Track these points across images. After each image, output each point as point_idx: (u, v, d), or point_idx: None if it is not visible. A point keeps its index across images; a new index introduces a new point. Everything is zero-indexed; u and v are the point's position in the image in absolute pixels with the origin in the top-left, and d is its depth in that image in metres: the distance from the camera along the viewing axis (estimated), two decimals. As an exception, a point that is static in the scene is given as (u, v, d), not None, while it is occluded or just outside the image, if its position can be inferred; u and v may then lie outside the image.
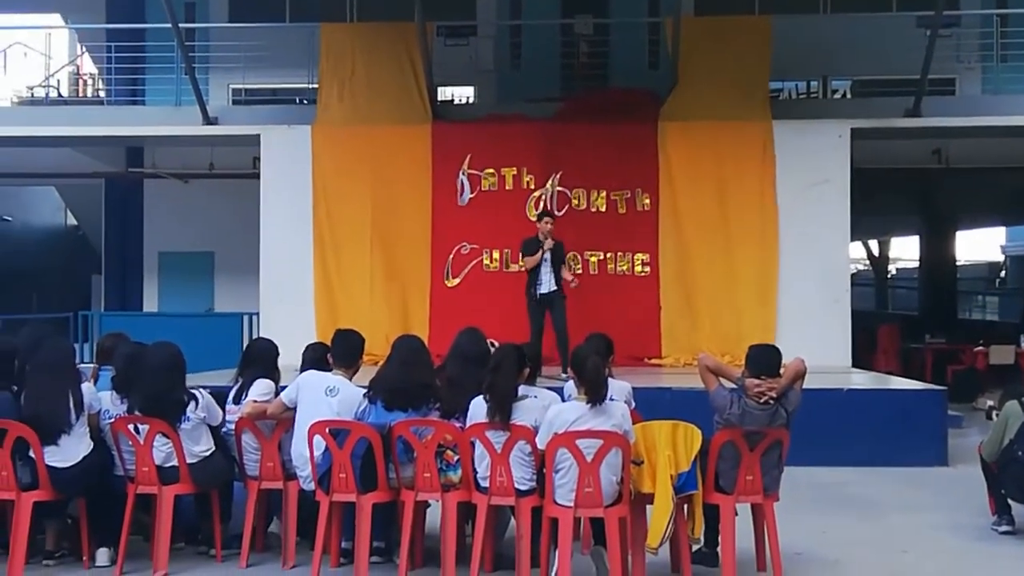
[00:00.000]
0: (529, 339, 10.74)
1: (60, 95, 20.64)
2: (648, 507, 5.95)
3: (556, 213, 12.68)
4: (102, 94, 19.16)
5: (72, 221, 23.74)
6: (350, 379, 6.61)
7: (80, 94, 21.77)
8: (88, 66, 21.73)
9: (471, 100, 18.68)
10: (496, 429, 5.98)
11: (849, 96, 18.46)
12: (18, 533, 6.21)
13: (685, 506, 6.03)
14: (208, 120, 14.73)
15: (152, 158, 17.94)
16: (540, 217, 11.61)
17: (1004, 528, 7.42)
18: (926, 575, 6.47)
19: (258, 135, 14.38)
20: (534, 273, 11.19)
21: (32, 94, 20.36)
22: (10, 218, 24.13)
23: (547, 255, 11.13)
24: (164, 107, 15.97)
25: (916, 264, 26.56)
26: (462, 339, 6.64)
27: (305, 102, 16.71)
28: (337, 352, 6.72)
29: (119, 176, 18.40)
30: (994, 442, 7.40)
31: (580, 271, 13.05)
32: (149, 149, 17.88)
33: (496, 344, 6.75)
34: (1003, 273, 32.40)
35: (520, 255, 11.58)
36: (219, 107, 15.70)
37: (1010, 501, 7.45)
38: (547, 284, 11.17)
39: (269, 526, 6.98)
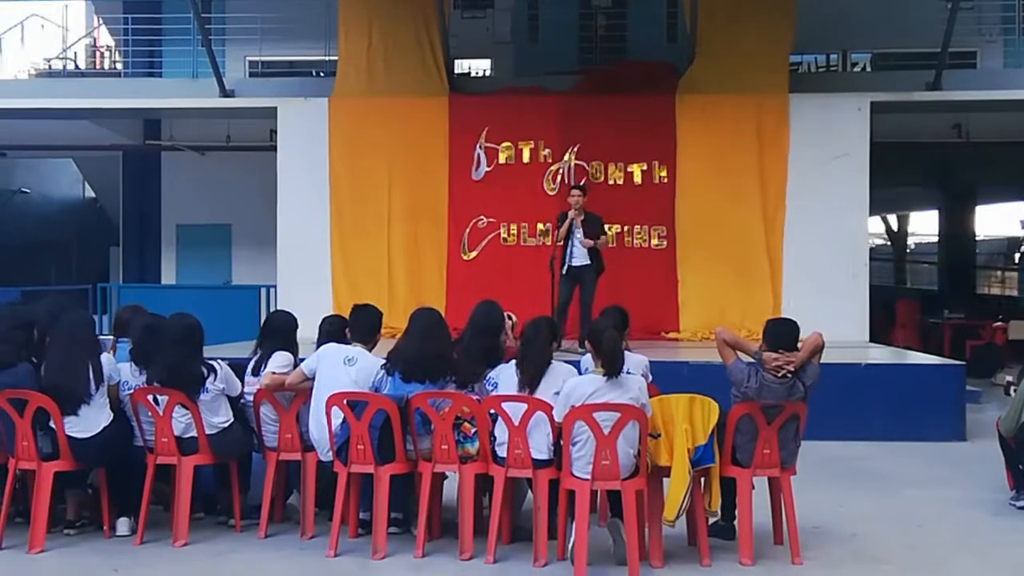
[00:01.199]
0: (553, 310, 10.75)
1: (77, 67, 20.69)
2: (665, 480, 5.96)
3: (578, 185, 12.61)
4: (119, 66, 19.20)
5: (90, 193, 23.81)
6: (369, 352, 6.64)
7: (97, 66, 21.81)
8: (105, 38, 21.76)
9: (488, 73, 18.65)
10: (514, 401, 6.01)
11: (869, 69, 18.33)
12: (39, 503, 6.26)
13: (702, 479, 6.04)
14: (225, 92, 14.74)
15: (169, 130, 17.97)
16: (570, 190, 11.47)
17: (1022, 503, 7.40)
18: (943, 549, 6.46)
19: (275, 107, 14.39)
20: (565, 245, 11.06)
21: (50, 66, 20.42)
22: (28, 190, 24.21)
23: (577, 228, 10.96)
24: (181, 79, 15.97)
25: (935, 239, 26.42)
26: (479, 312, 6.65)
27: (322, 74, 16.73)
28: (355, 326, 6.75)
29: (137, 148, 18.44)
30: (1012, 417, 7.38)
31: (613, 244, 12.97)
32: (166, 121, 17.91)
33: (513, 317, 6.78)
34: (1022, 248, 32.17)
35: (555, 228, 11.46)
36: (236, 79, 15.72)
37: (1028, 476, 7.44)
38: (579, 257, 11.02)
39: (288, 498, 7.02)
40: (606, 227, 11.65)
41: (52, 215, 24.42)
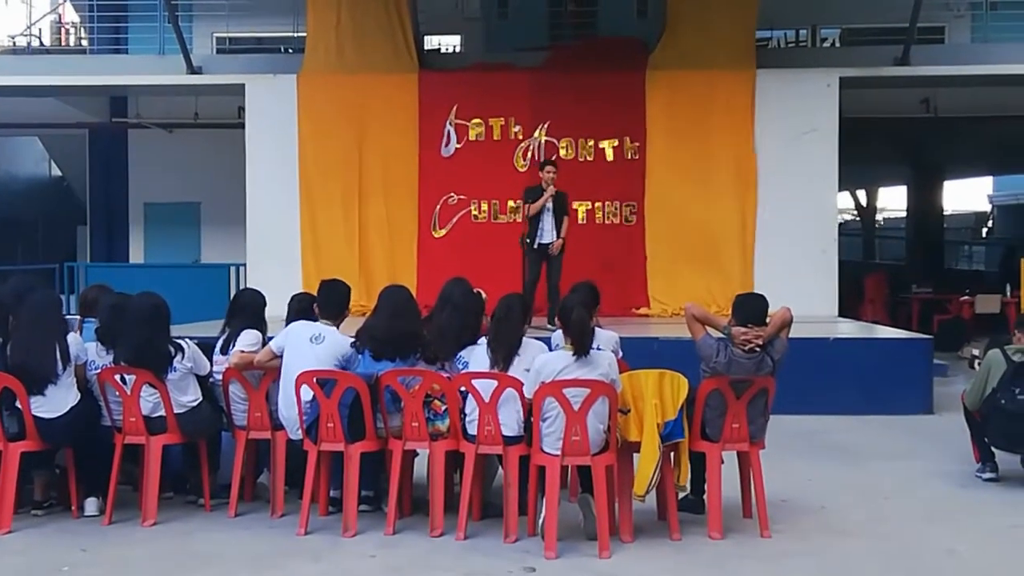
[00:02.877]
0: (523, 287, 10.75)
1: (42, 44, 20.40)
2: (635, 455, 5.98)
3: (551, 160, 12.58)
4: (85, 43, 18.95)
5: (56, 172, 23.56)
6: (336, 328, 6.60)
7: (63, 43, 21.52)
8: (70, 14, 21.47)
9: (458, 49, 18.54)
10: (485, 378, 6.01)
11: (838, 45, 18.36)
12: (6, 483, 6.22)
13: (671, 454, 6.07)
14: (192, 69, 14.60)
15: (136, 108, 17.79)
16: (543, 165, 11.44)
17: (988, 475, 7.48)
18: (910, 520, 6.52)
19: (243, 84, 14.27)
20: (535, 221, 11.02)
21: (14, 43, 20.11)
22: (-7, 169, 23.94)
23: (549, 204, 11.01)
24: (148, 56, 15.79)
25: (903, 214, 26.59)
26: (456, 292, 6.62)
27: (290, 51, 16.57)
28: (323, 302, 6.70)
29: (103, 126, 18.26)
30: (977, 390, 7.44)
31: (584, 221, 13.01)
32: (133, 99, 17.74)
33: (483, 293, 6.78)
34: (990, 223, 32.44)
35: (523, 204, 11.46)
36: (203, 56, 15.58)
37: (993, 448, 7.51)
38: (548, 234, 11.02)
39: (259, 477, 7.00)
40: (575, 203, 11.65)
41: (18, 194, 24.13)
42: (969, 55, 14.49)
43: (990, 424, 7.38)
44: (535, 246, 11.02)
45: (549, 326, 9.25)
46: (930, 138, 19.69)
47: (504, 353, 6.12)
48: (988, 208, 32.62)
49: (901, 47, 13.80)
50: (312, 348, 6.36)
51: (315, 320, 6.69)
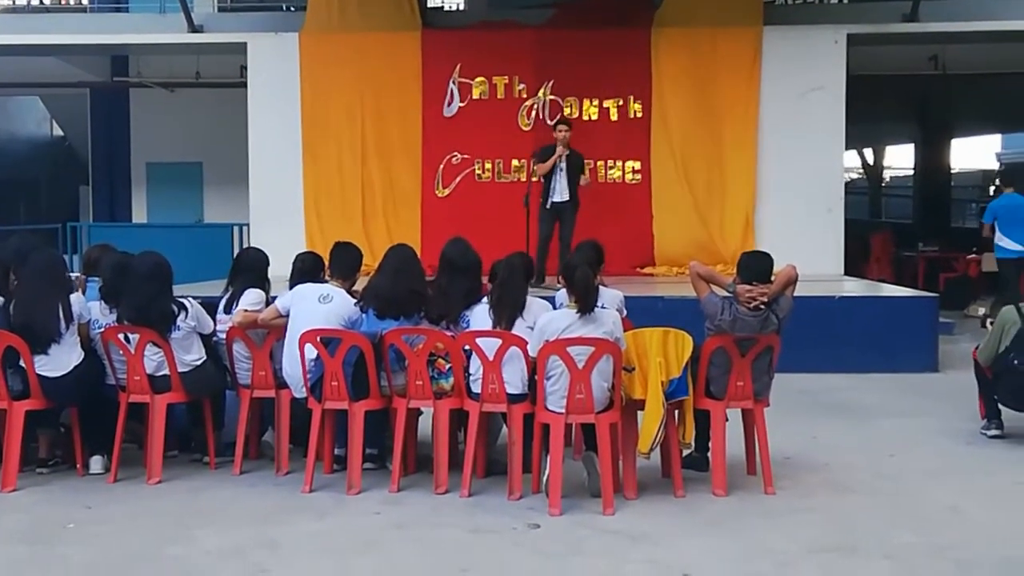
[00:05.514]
0: (537, 246, 10.74)
1: (42, 2, 20.27)
2: (639, 413, 5.98)
3: (549, 121, 12.54)
4: (85, 1, 18.80)
5: (58, 131, 23.49)
6: (346, 291, 6.59)
7: (63, 1, 21.38)
8: (71, -27, 21.31)
9: (461, 7, 18.39)
10: (489, 336, 6.00)
11: (845, 1, 18.18)
12: (11, 442, 6.23)
13: (676, 412, 6.07)
14: (193, 28, 14.50)
15: (137, 67, 17.67)
16: (556, 124, 11.39)
17: (993, 432, 7.47)
18: (914, 477, 6.53)
19: (245, 43, 14.15)
20: (547, 181, 11.00)
21: (14, 1, 19.99)
22: (-5, 128, 23.87)
23: (562, 164, 10.95)
24: (148, 14, 15.66)
25: (911, 172, 26.45)
26: (455, 252, 6.60)
27: (292, 9, 16.44)
28: (335, 263, 6.69)
29: (104, 85, 18.14)
30: (990, 347, 7.41)
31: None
32: (134, 58, 17.60)
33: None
34: (997, 181, 32.28)
35: (533, 162, 11.41)
36: (205, 14, 15.43)
37: (1001, 407, 7.49)
38: (560, 193, 11.00)
39: (264, 436, 7.01)
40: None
41: (20, 154, 24.07)
42: (978, 11, 14.32)
43: (1001, 383, 7.38)
44: (547, 205, 10.99)
45: (559, 285, 9.23)
46: (938, 96, 19.54)
47: (507, 314, 6.12)
48: (996, 166, 32.44)
49: (910, 3, 13.65)
50: (319, 307, 6.35)
51: (320, 280, 6.69)
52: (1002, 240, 12.68)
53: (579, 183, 11.05)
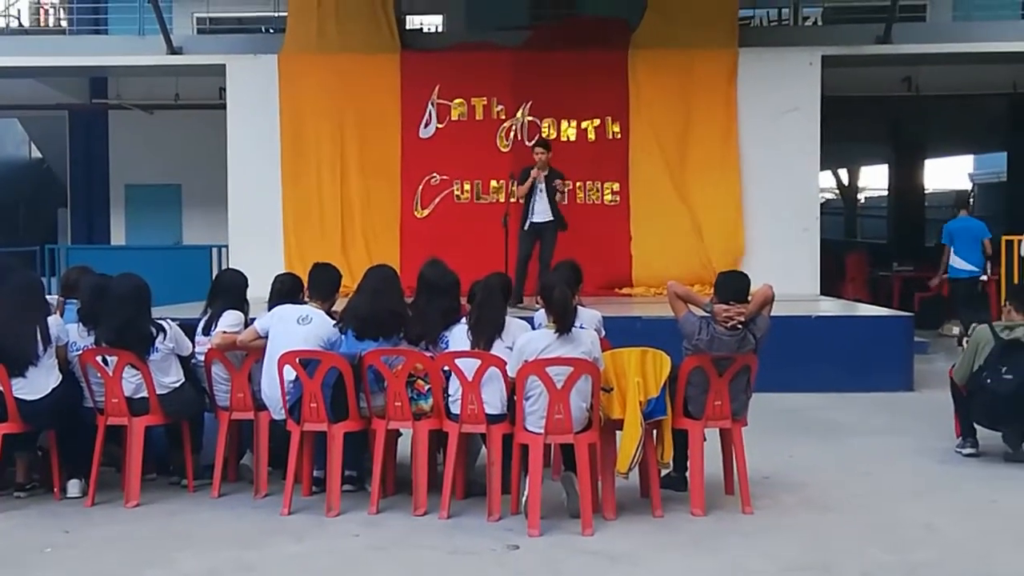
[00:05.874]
0: (515, 265, 10.78)
1: (21, 25, 20.25)
2: (618, 433, 6.01)
3: (527, 142, 12.61)
4: (64, 23, 18.82)
5: (37, 154, 23.40)
6: (326, 312, 6.60)
7: (41, 23, 21.38)
8: (49, -5, 21.31)
9: (440, 29, 18.47)
10: (468, 357, 6.02)
11: (820, 23, 18.37)
12: (-12, 465, 6.20)
13: (654, 431, 6.10)
14: (172, 50, 14.53)
15: (116, 89, 17.65)
16: (534, 147, 11.45)
17: (968, 450, 7.53)
18: (890, 496, 6.58)
19: (224, 65, 14.17)
20: (527, 202, 11.06)
21: (-8, 24, 19.96)
22: (-27, 151, 23.77)
23: (541, 184, 11.00)
24: (127, 36, 15.71)
25: (885, 192, 26.64)
26: (432, 273, 6.61)
27: (271, 31, 16.50)
28: (314, 284, 6.71)
29: (83, 107, 18.11)
30: (965, 366, 7.47)
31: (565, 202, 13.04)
32: (113, 80, 17.59)
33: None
34: (971, 201, 32.54)
35: (513, 184, 11.46)
36: (184, 36, 15.49)
37: (976, 425, 7.56)
38: (540, 213, 11.04)
39: (243, 458, 7.00)
40: (557, 183, 11.62)
41: (-2, 176, 23.99)
42: (950, 33, 14.53)
43: (974, 401, 7.42)
44: (526, 227, 11.05)
45: (537, 304, 9.27)
46: (911, 117, 19.72)
47: (486, 335, 6.14)
48: (969, 186, 32.71)
49: (883, 25, 13.82)
50: (299, 328, 6.36)
51: (299, 301, 6.71)
52: (955, 260, 13.31)
53: (560, 190, 11.10)
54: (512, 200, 11.54)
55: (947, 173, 29.39)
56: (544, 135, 13.43)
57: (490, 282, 6.40)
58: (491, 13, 15.93)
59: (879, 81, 16.22)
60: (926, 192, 24.80)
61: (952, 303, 13.53)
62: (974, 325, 7.55)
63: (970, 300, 13.25)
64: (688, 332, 6.20)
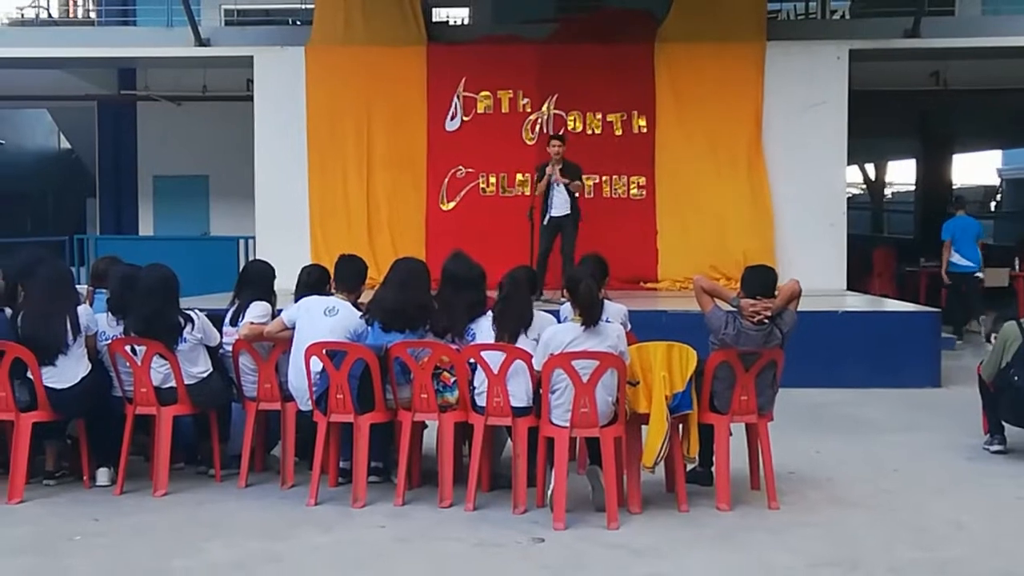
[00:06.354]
0: (536, 260, 10.79)
1: (50, 16, 20.38)
2: (643, 427, 6.00)
3: (559, 135, 12.61)
4: (93, 15, 18.93)
5: (65, 144, 23.56)
6: (352, 304, 6.62)
7: (71, 15, 21.50)
8: (78, -14, 21.44)
9: (466, 21, 18.47)
10: (494, 350, 6.03)
11: (848, 17, 18.25)
12: (18, 453, 6.26)
13: (680, 426, 6.09)
14: (200, 42, 14.57)
15: (144, 80, 17.75)
16: (550, 140, 11.47)
17: (996, 447, 7.49)
18: (917, 493, 6.54)
19: (251, 57, 14.22)
20: (545, 197, 11.09)
21: (22, 15, 20.11)
22: (3, 141, 23.95)
23: (558, 179, 11.00)
24: (156, 28, 15.75)
25: (912, 187, 26.48)
26: (457, 266, 6.61)
27: (299, 23, 16.52)
28: (340, 275, 6.72)
29: (111, 99, 18.22)
30: (993, 363, 7.44)
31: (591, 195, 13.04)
32: (141, 71, 17.69)
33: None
34: (999, 196, 32.30)
35: (535, 181, 11.48)
36: (212, 28, 15.52)
37: (1003, 422, 7.51)
38: (558, 207, 11.07)
39: (271, 450, 7.04)
40: (584, 177, 11.63)
41: (27, 166, 24.17)
42: (979, 27, 14.40)
43: (1002, 398, 7.38)
44: (545, 221, 11.06)
45: (561, 299, 9.27)
46: (939, 111, 19.57)
47: (510, 329, 6.13)
48: (997, 182, 32.45)
49: (911, 19, 13.71)
50: (325, 320, 6.38)
51: (326, 292, 6.73)
52: (955, 257, 13.89)
53: (576, 192, 11.09)
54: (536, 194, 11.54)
55: (975, 168, 29.21)
56: (570, 128, 13.43)
57: (516, 275, 6.40)
58: (517, 6, 15.92)
59: (907, 75, 16.10)
60: (954, 187, 24.62)
61: (951, 296, 14.06)
62: (982, 318, 7.53)
63: (968, 295, 13.82)
64: (714, 327, 6.18)
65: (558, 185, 11.00)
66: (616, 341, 5.87)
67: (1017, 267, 15.77)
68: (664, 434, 5.84)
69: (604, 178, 13.60)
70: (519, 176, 13.57)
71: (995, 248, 22.53)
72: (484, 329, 6.27)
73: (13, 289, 6.63)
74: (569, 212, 11.08)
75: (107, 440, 6.54)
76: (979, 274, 13.94)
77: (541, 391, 5.91)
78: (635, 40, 13.82)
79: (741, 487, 6.35)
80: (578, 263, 6.77)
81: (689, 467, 6.29)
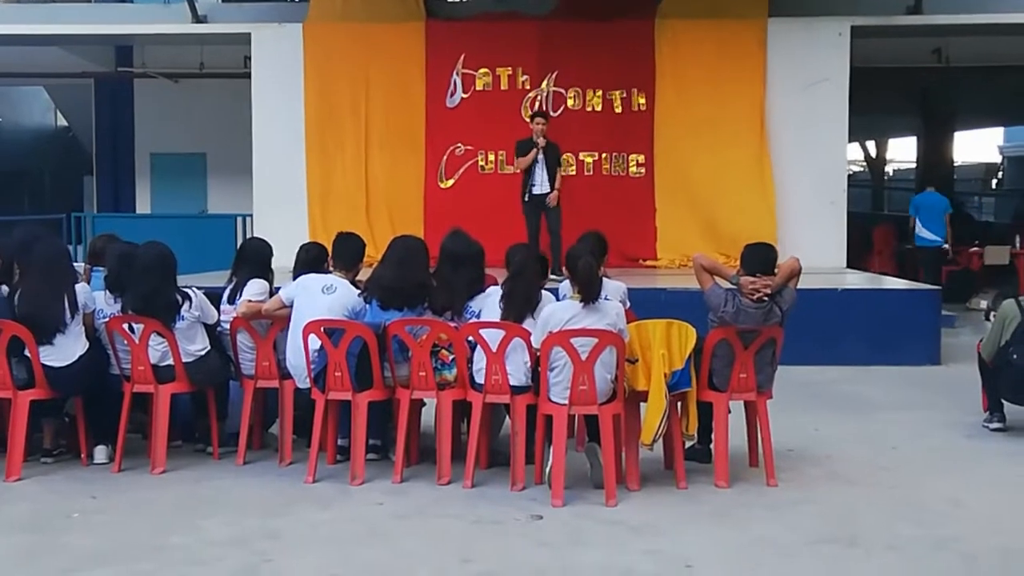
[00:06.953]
0: (527, 241, 10.75)
1: (46, -8, 20.24)
2: (642, 405, 5.99)
3: (551, 113, 12.58)
4: (89, -8, 18.77)
5: (62, 122, 23.49)
6: (349, 281, 6.60)
7: (67, -9, 21.34)
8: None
9: (465, -2, 18.34)
10: (492, 327, 6.01)
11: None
12: (15, 431, 6.25)
13: (679, 404, 6.08)
14: (198, 18, 14.48)
15: (141, 57, 17.67)
16: (533, 117, 11.51)
17: (995, 425, 7.49)
18: (916, 470, 6.55)
19: (249, 34, 14.15)
20: (528, 174, 11.12)
21: (18, -8, 19.97)
22: (0, 119, 23.88)
23: (541, 156, 11.03)
24: (152, 4, 15.68)
25: (913, 165, 26.42)
26: (456, 243, 6.58)
27: (296, 0, 16.42)
28: (338, 253, 6.71)
29: (108, 76, 18.15)
30: (992, 341, 7.43)
31: (573, 172, 12.99)
32: (138, 48, 17.61)
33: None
34: (1000, 174, 32.25)
35: (515, 157, 11.49)
36: (209, 5, 15.41)
37: (1003, 400, 7.51)
38: (540, 185, 11.11)
39: (269, 428, 7.03)
40: (583, 154, 11.61)
41: (24, 144, 24.10)
42: (981, 4, 14.28)
43: (1001, 376, 7.38)
44: (526, 198, 11.08)
45: (553, 276, 9.25)
46: (941, 88, 19.51)
47: (517, 310, 6.09)
48: (998, 159, 32.40)
49: (914, -5, 13.65)
50: (324, 298, 6.36)
51: (324, 270, 6.71)
52: (922, 231, 14.92)
53: (557, 176, 11.13)
54: (515, 170, 11.51)
55: (976, 146, 29.14)
56: (569, 106, 13.37)
57: (523, 257, 6.36)
58: (517, -18, 15.80)
59: (909, 52, 16.04)
60: (955, 165, 24.57)
61: (921, 265, 14.78)
62: (979, 299, 7.55)
63: (935, 267, 14.58)
64: (714, 304, 6.16)
65: (541, 163, 11.04)
66: (615, 319, 5.85)
67: (1018, 245, 15.74)
68: (663, 411, 5.83)
69: (604, 156, 13.55)
70: (518, 154, 13.51)
71: (996, 226, 22.54)
72: (491, 306, 6.24)
73: (10, 267, 6.61)
74: (550, 190, 11.09)
75: (105, 418, 6.53)
76: (946, 246, 14.86)
77: (540, 369, 5.89)
78: (635, 16, 13.73)
79: (740, 464, 6.35)
80: (578, 240, 6.73)
81: (688, 444, 6.28)
